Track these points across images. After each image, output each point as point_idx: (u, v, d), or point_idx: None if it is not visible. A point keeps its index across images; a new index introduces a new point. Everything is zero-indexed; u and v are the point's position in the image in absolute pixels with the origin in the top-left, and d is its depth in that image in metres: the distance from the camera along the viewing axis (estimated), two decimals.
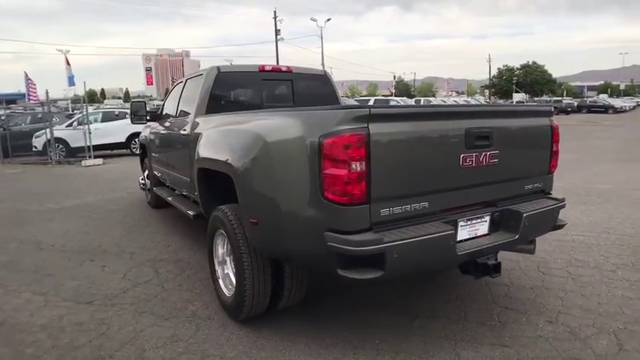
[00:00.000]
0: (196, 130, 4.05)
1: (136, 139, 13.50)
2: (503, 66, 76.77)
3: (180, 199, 5.18)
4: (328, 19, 39.51)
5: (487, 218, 2.68)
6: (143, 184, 6.70)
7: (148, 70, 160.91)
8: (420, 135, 2.34)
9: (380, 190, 2.19)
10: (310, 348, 2.67)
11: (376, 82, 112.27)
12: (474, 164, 2.52)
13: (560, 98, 55.08)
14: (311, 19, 38.36)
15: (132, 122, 5.97)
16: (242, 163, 2.58)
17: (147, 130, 6.49)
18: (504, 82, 72.66)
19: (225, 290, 3.14)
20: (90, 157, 11.79)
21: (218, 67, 4.37)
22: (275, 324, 2.95)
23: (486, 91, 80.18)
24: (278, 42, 44.08)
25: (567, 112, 39.51)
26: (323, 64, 41.15)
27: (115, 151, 13.88)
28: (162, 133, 5.32)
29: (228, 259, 3.22)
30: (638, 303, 3.18)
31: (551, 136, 2.98)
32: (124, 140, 13.52)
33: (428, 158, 2.38)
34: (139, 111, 5.76)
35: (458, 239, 2.49)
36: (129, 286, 3.72)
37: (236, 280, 2.82)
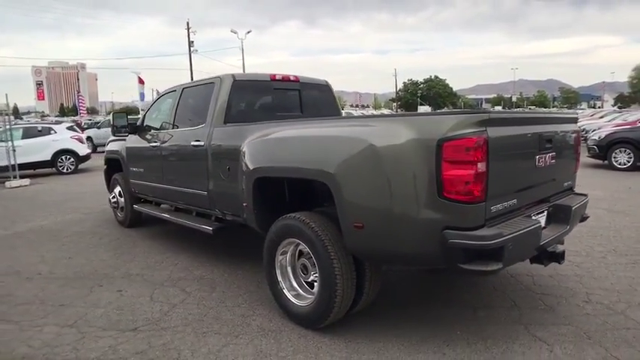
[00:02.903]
0: (221, 142, 3.94)
1: (63, 157, 12.39)
2: (408, 80, 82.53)
3: (178, 214, 4.92)
4: (248, 32, 39.28)
5: (545, 213, 3.01)
6: (115, 202, 6.18)
7: (39, 84, 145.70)
8: (519, 137, 2.60)
9: (493, 189, 2.38)
10: (404, 346, 2.76)
11: None
12: (543, 164, 2.84)
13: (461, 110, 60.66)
14: (231, 31, 37.83)
15: (113, 135, 5.55)
16: (344, 168, 2.61)
17: (117, 144, 6.06)
18: (409, 95, 78.12)
19: (294, 300, 3.09)
20: (15, 177, 10.46)
21: (233, 75, 4.28)
22: (350, 329, 2.98)
23: (394, 104, 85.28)
24: (190, 54, 42.83)
25: None
26: None
27: (39, 171, 12.45)
28: (153, 147, 5.01)
29: (289, 268, 3.19)
30: None
31: (577, 139, 3.43)
32: (49, 158, 12.18)
33: (520, 159, 2.64)
34: (121, 123, 5.40)
35: None
36: (166, 308, 3.47)
37: (321, 287, 2.81)
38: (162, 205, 5.47)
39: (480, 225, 2.36)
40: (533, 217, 2.81)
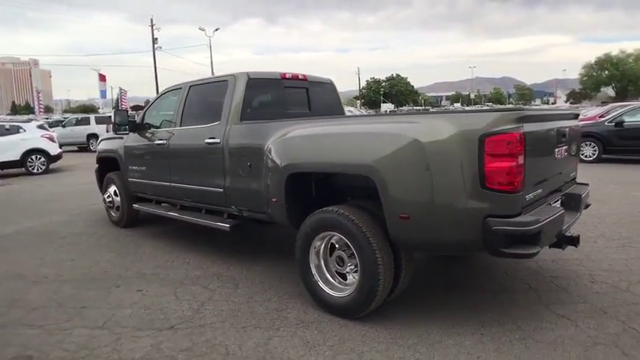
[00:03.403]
0: (240, 139, 3.96)
1: (33, 157, 11.89)
2: (371, 78, 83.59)
3: (187, 213, 4.89)
4: (216, 29, 38.71)
5: (559, 201, 3.26)
6: (110, 202, 6.04)
7: None
8: (545, 132, 2.82)
9: (528, 180, 2.59)
10: (442, 329, 2.92)
11: None
12: (559, 157, 3.09)
13: (422, 107, 62.01)
14: (199, 29, 37.17)
15: (115, 133, 5.44)
16: (390, 163, 2.73)
17: (112, 142, 5.93)
18: (373, 94, 79.21)
19: (330, 291, 3.19)
20: None
21: (247, 73, 4.30)
22: (386, 317, 3.11)
23: (357, 102, 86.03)
24: (154, 51, 41.63)
25: None
26: (212, 74, 40.19)
27: (6, 171, 11.86)
28: (158, 144, 4.95)
29: (322, 261, 3.29)
30: (635, 262, 4.08)
31: (578, 133, 3.71)
32: (18, 158, 11.64)
33: (545, 152, 2.87)
34: (122, 121, 5.30)
35: None
36: (195, 306, 3.48)
37: (363, 277, 2.92)
38: (162, 204, 5.41)
39: (518, 212, 2.55)
40: (553, 205, 3.05)
